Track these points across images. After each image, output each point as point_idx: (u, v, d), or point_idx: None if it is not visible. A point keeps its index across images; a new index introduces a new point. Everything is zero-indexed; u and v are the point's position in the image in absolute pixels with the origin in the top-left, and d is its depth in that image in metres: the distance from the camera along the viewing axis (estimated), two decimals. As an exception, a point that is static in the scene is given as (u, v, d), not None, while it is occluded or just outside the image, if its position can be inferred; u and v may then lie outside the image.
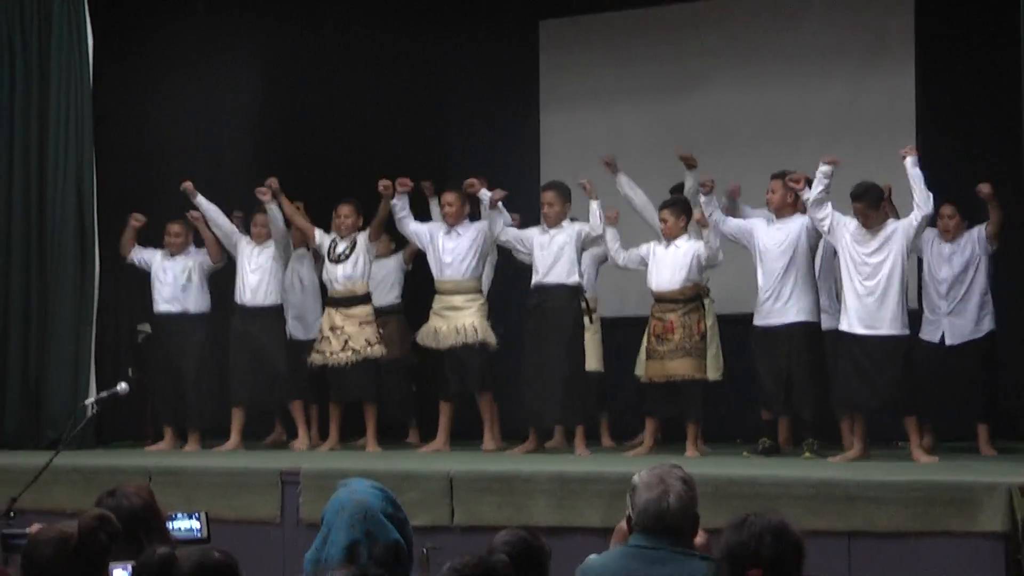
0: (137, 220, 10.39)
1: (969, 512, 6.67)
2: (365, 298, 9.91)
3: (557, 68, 11.84)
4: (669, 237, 9.14)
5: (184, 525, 4.94)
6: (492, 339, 9.55)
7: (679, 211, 9.18)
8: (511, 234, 9.56)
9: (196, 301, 10.34)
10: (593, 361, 9.79)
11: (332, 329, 9.79)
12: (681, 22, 11.35)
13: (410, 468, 8.10)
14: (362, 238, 9.94)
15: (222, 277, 10.52)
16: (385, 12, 11.65)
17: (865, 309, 8.40)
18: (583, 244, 9.44)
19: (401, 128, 12.03)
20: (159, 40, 11.08)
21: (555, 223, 9.39)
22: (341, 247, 9.93)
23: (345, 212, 9.96)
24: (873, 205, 8.57)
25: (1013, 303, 9.58)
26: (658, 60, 11.37)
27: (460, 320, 9.54)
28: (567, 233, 9.37)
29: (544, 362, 9.25)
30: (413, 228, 9.83)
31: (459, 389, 9.65)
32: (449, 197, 9.73)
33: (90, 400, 8.18)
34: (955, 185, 10.15)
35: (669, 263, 9.08)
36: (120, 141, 10.96)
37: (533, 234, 9.48)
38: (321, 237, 10.11)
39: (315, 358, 9.88)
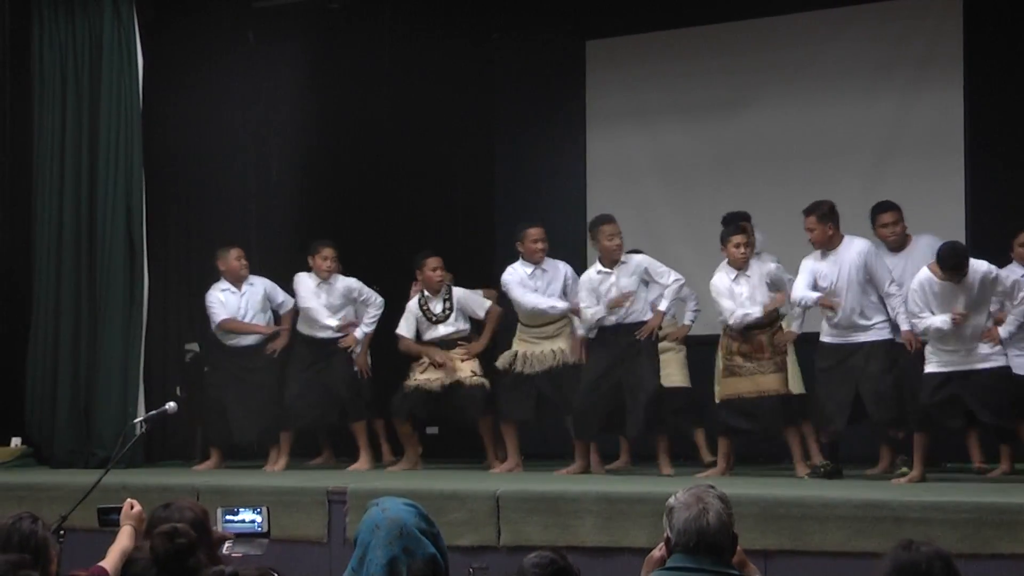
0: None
1: (1019, 534, 6.61)
2: (468, 337, 9.89)
3: (603, 87, 11.86)
4: (740, 266, 8.96)
5: (247, 517, 5.07)
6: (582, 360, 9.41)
7: (749, 237, 9.03)
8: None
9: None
10: (679, 378, 9.72)
11: (436, 365, 9.71)
12: (727, 41, 11.34)
13: (457, 488, 8.07)
14: (458, 294, 9.84)
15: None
16: (433, 32, 11.71)
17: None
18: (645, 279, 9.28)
19: (449, 147, 12.12)
20: (209, 63, 11.18)
21: (614, 258, 9.22)
22: (438, 308, 9.81)
23: (435, 265, 9.80)
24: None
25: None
26: (704, 79, 11.37)
27: (552, 345, 9.47)
28: (629, 268, 9.21)
29: (628, 386, 9.11)
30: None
31: (528, 413, 9.57)
32: (537, 233, 9.57)
33: (139, 419, 8.22)
34: (1004, 202, 10.12)
35: (748, 293, 8.94)
36: (170, 161, 11.07)
37: (594, 279, 9.27)
38: (411, 308, 9.90)
39: (415, 383, 9.75)
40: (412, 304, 9.91)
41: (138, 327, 10.28)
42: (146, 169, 10.42)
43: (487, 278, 10.71)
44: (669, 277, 9.21)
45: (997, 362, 8.23)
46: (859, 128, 10.81)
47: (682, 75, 11.45)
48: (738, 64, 11.25)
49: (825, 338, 8.80)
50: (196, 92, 11.12)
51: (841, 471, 8.83)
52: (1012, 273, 8.58)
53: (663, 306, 9.18)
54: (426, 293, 9.85)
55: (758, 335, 8.90)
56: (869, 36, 10.83)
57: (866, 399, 8.63)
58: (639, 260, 9.26)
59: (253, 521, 5.09)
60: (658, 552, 4.18)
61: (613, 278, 9.18)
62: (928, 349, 8.34)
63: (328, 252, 10.04)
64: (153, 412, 7.65)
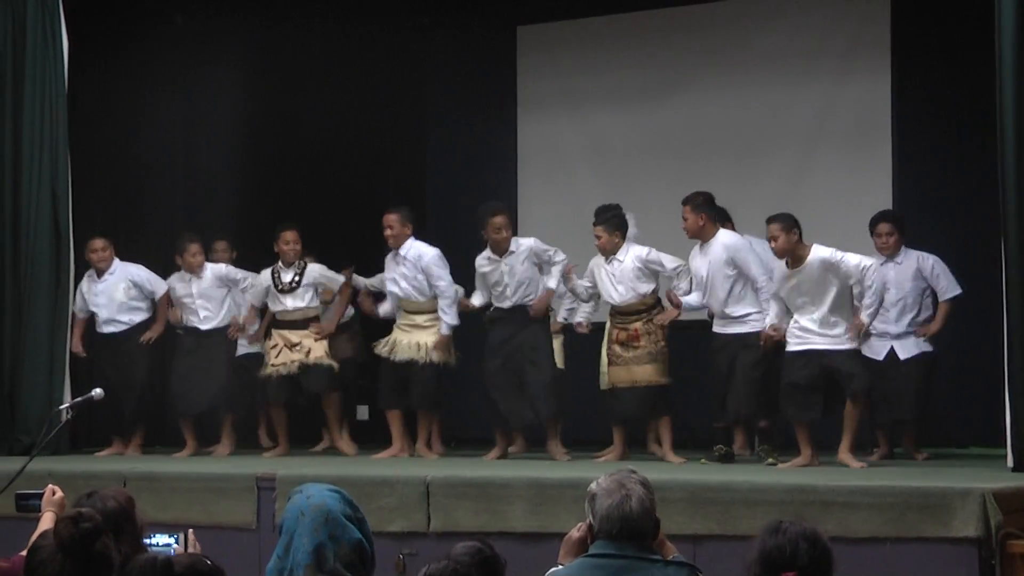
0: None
1: (943, 518, 6.68)
2: (316, 319, 10.06)
3: (535, 73, 11.83)
4: (606, 253, 9.10)
5: (161, 541, 4.96)
6: (451, 359, 9.58)
7: (612, 227, 9.11)
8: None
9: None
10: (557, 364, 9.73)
11: (290, 346, 9.89)
12: (659, 27, 11.35)
13: (387, 474, 8.09)
14: (313, 269, 9.98)
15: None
16: (365, 18, 11.61)
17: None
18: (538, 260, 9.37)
19: (380, 134, 12.01)
20: (136, 47, 11.02)
21: (502, 248, 9.33)
22: (287, 276, 9.99)
23: (290, 238, 9.95)
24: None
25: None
26: (636, 65, 11.36)
27: (421, 337, 9.56)
28: (519, 256, 9.29)
29: (525, 368, 9.26)
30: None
31: (400, 402, 9.70)
32: (391, 219, 9.64)
33: (64, 405, 8.13)
34: (930, 191, 10.21)
35: (619, 277, 9.07)
36: (96, 145, 10.92)
37: (483, 266, 9.42)
38: (262, 276, 10.10)
39: (271, 371, 9.96)
40: (264, 273, 10.07)
41: (64, 313, 10.15)
42: (72, 153, 10.28)
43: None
44: (556, 256, 9.34)
45: (848, 344, 8.44)
46: (788, 115, 10.87)
47: (613, 61, 11.43)
48: (669, 51, 11.27)
49: (714, 327, 9.01)
50: (123, 76, 10.98)
51: (733, 455, 8.98)
52: (863, 261, 8.60)
53: (552, 284, 9.31)
54: (280, 264, 10.01)
55: (634, 323, 9.03)
56: (799, 22, 10.89)
57: (729, 390, 8.80)
58: (527, 245, 9.34)
59: (168, 545, 4.97)
60: (577, 533, 4.21)
61: (504, 266, 9.30)
62: (791, 330, 8.52)
63: (194, 248, 10.17)
64: (79, 398, 7.57)
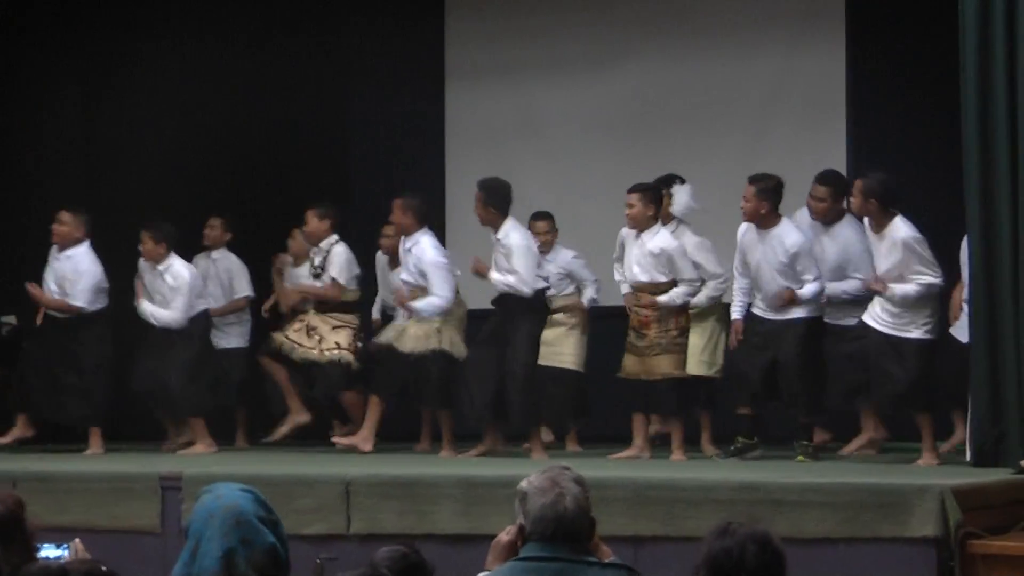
0: None
1: (900, 517, 6.60)
2: (344, 305, 9.82)
3: (464, 40, 11.53)
4: (635, 224, 8.65)
5: (52, 554, 4.77)
6: (460, 351, 9.19)
7: (648, 199, 8.67)
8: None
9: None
10: (569, 360, 9.45)
11: (309, 329, 9.69)
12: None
13: (304, 472, 7.95)
14: (338, 248, 9.80)
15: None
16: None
17: None
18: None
19: (297, 108, 11.56)
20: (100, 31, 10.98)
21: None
22: (317, 259, 9.87)
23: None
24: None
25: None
26: (575, 32, 11.10)
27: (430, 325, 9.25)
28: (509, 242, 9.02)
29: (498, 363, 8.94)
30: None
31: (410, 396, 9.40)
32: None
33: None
34: (886, 166, 9.99)
35: (636, 255, 8.66)
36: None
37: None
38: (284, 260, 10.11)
39: (282, 343, 9.73)
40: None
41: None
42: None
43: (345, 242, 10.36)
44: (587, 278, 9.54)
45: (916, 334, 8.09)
46: (739, 88, 10.69)
47: (551, 27, 11.13)
48: (611, 18, 11.00)
49: (754, 310, 8.59)
50: (86, 57, 10.99)
51: (756, 447, 8.58)
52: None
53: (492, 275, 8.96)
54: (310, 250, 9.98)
55: (645, 309, 8.65)
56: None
57: (781, 380, 8.41)
58: (564, 257, 9.51)
59: (58, 557, 4.75)
60: (506, 536, 4.12)
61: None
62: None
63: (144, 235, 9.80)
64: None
